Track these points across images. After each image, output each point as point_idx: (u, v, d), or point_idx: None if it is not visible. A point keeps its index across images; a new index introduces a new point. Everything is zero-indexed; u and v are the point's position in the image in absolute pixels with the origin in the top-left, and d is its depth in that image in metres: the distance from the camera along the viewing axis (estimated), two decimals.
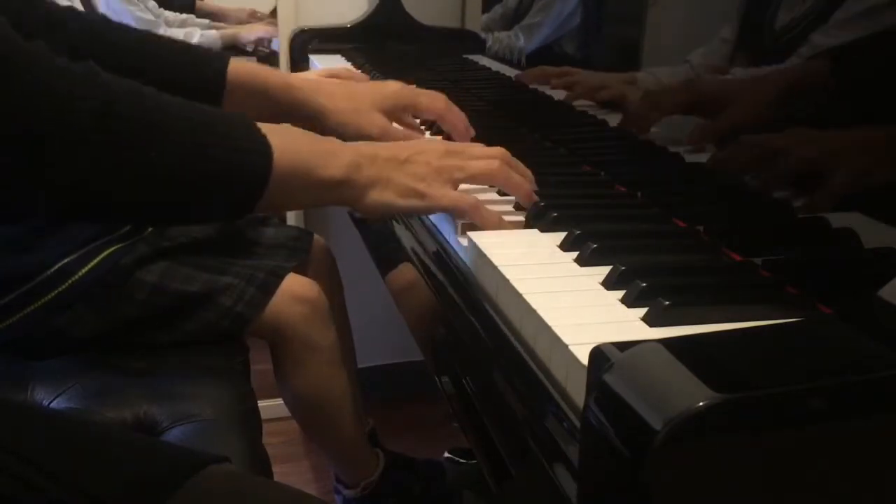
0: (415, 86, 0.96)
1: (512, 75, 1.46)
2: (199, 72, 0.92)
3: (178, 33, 2.21)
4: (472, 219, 0.70)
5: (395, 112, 0.91)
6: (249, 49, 2.36)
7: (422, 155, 0.72)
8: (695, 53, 1.00)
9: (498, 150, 0.74)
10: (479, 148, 0.76)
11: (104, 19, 0.96)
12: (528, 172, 0.75)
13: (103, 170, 0.57)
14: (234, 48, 2.33)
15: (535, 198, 0.73)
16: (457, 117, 0.89)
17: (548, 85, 1.30)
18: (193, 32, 2.23)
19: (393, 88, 0.91)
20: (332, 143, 0.70)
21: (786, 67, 0.80)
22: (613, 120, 1.07)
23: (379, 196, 0.69)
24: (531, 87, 1.33)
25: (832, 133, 0.72)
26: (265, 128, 0.65)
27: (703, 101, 0.87)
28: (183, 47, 0.97)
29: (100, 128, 0.56)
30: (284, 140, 0.65)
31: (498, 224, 0.70)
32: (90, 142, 0.56)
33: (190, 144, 0.60)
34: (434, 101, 0.90)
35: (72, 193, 0.58)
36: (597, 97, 1.15)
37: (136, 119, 0.58)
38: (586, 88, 1.17)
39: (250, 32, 2.34)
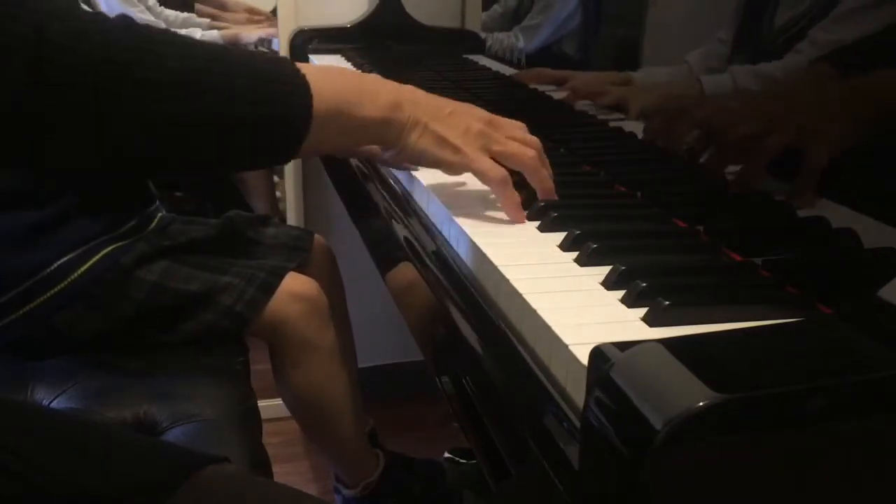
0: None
1: (512, 75, 1.46)
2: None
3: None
4: (498, 193, 0.70)
5: None
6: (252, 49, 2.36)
7: (464, 115, 0.72)
8: (692, 54, 1.00)
9: (535, 140, 0.75)
10: (520, 128, 0.75)
11: (125, 19, 0.96)
12: (551, 172, 0.75)
13: (149, 120, 0.57)
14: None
15: (554, 197, 0.73)
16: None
17: (546, 85, 1.30)
18: (194, 33, 2.23)
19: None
20: (373, 81, 0.70)
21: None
22: (613, 120, 1.07)
23: (415, 140, 0.70)
24: (531, 87, 1.32)
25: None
26: (305, 69, 0.65)
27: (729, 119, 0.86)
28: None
29: (144, 78, 0.56)
30: (324, 81, 0.65)
31: (515, 207, 0.70)
32: (135, 93, 0.56)
33: (232, 92, 0.60)
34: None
35: (121, 146, 0.58)
36: (597, 103, 1.15)
37: (179, 69, 0.58)
38: (585, 93, 1.17)
39: (252, 33, 2.34)
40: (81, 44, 0.54)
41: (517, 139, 0.73)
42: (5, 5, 0.52)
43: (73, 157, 0.58)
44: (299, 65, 0.65)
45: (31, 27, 0.53)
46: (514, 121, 0.76)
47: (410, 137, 0.69)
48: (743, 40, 0.91)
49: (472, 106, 0.75)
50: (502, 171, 0.70)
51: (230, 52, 0.63)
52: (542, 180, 0.73)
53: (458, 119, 0.71)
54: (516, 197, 0.71)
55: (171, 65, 0.58)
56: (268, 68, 0.63)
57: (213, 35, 2.28)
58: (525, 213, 0.71)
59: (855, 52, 0.73)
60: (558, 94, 1.24)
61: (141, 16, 2.14)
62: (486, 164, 0.70)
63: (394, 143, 0.69)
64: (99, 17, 0.57)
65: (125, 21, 0.58)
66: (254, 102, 0.61)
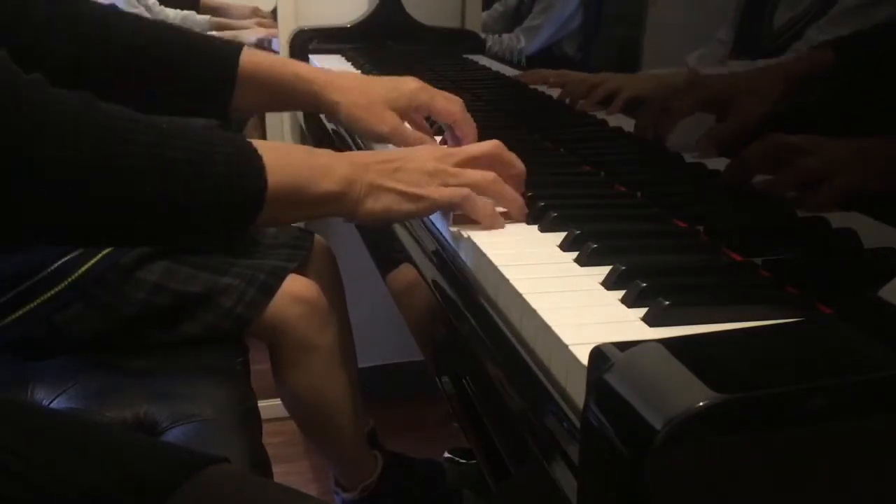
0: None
1: (512, 75, 1.46)
2: (211, 62, 0.92)
3: None
4: (466, 211, 0.71)
5: (408, 111, 0.91)
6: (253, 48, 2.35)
7: (414, 162, 0.72)
8: (692, 56, 1.00)
9: (493, 143, 0.75)
10: (473, 147, 0.76)
11: (115, 9, 0.96)
12: (521, 164, 0.75)
13: (99, 200, 0.58)
14: None
15: (526, 212, 0.73)
16: (469, 126, 0.88)
17: (546, 85, 1.30)
18: None
19: (410, 87, 0.90)
20: (326, 156, 0.71)
21: (788, 59, 0.80)
22: (613, 120, 1.07)
23: (374, 205, 0.70)
24: (531, 86, 1.32)
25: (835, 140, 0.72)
26: (258, 146, 0.65)
27: (712, 100, 0.86)
28: (196, 37, 0.97)
29: (97, 161, 0.57)
30: (278, 158, 0.65)
31: (491, 216, 0.70)
32: (88, 174, 0.57)
33: (185, 174, 0.61)
34: (450, 104, 0.89)
35: (67, 222, 0.59)
36: (592, 97, 1.14)
37: (132, 153, 0.59)
38: (581, 90, 1.17)
39: (251, 34, 2.33)
40: (42, 121, 0.55)
41: (474, 155, 0.74)
42: None
43: (15, 231, 0.60)
44: (254, 142, 0.66)
45: None
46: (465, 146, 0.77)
47: (367, 204, 0.70)
48: (743, 41, 0.91)
49: (422, 147, 0.76)
50: (463, 192, 0.71)
51: (184, 129, 0.63)
52: (511, 201, 0.72)
53: (410, 168, 0.71)
54: (488, 206, 0.71)
55: (123, 148, 0.59)
56: (222, 146, 0.64)
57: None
58: (501, 217, 0.71)
59: (856, 43, 0.73)
60: (558, 94, 1.24)
61: (138, 14, 2.14)
62: (446, 194, 0.71)
63: (351, 213, 0.70)
64: (61, 95, 0.58)
65: (86, 104, 0.59)
66: (208, 186, 0.62)
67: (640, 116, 0.95)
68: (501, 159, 0.74)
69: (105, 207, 0.59)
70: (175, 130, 0.62)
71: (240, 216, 0.64)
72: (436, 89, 0.92)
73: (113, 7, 0.96)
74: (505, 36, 1.67)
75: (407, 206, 0.71)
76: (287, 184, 0.65)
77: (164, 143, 0.61)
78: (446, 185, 0.71)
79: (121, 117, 0.60)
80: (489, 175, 0.72)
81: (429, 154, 0.73)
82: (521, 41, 1.59)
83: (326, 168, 0.68)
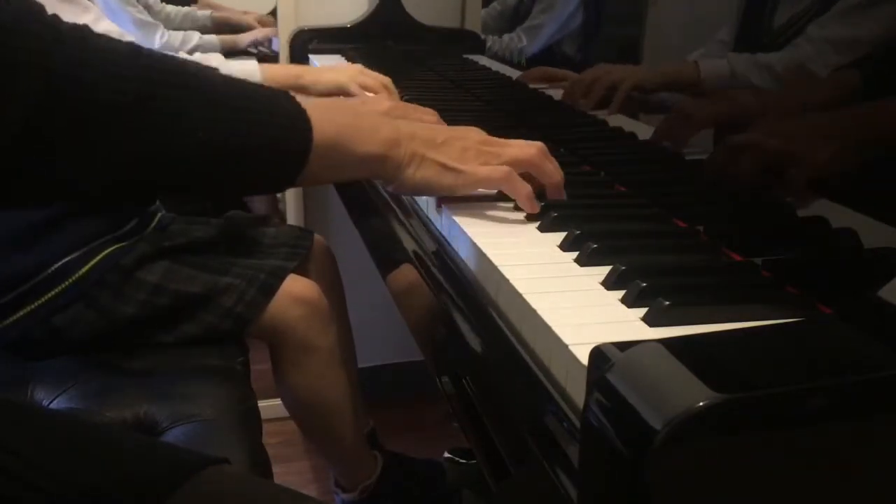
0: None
1: (512, 75, 1.46)
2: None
3: (176, 36, 2.20)
4: (509, 190, 0.72)
5: None
6: (252, 50, 2.36)
7: (459, 140, 0.73)
8: (693, 55, 1.00)
9: (538, 147, 0.75)
10: (519, 147, 0.76)
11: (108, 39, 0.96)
12: (560, 174, 0.75)
13: (149, 148, 0.57)
14: (234, 51, 2.33)
15: (564, 193, 0.74)
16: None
17: (548, 85, 1.30)
18: (192, 35, 2.23)
19: (381, 109, 0.84)
20: (371, 118, 0.71)
21: (814, 81, 0.80)
22: (613, 120, 1.07)
23: (415, 173, 0.70)
24: (531, 86, 1.32)
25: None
26: (306, 103, 0.65)
27: (734, 116, 0.86)
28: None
29: (146, 108, 0.56)
30: (324, 115, 0.65)
31: (529, 198, 0.71)
32: (137, 121, 0.56)
33: (233, 123, 0.60)
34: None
35: (119, 172, 0.58)
36: (593, 90, 1.14)
37: (182, 98, 0.58)
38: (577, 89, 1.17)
39: (249, 37, 2.34)
40: (86, 72, 0.55)
41: (515, 146, 0.74)
42: (14, 31, 0.52)
43: (76, 182, 0.58)
44: (300, 98, 0.66)
45: (40, 53, 0.53)
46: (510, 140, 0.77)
47: (408, 171, 0.70)
48: (744, 41, 0.91)
49: (468, 128, 0.76)
50: (504, 169, 0.71)
51: (233, 83, 0.63)
52: (550, 175, 0.74)
53: (454, 144, 0.72)
54: (527, 188, 0.72)
55: (175, 94, 0.58)
56: (270, 100, 0.64)
57: (210, 39, 2.27)
58: (539, 203, 0.72)
59: (879, 62, 0.73)
60: (558, 95, 1.24)
61: (139, 17, 2.14)
62: (486, 170, 0.72)
63: (391, 177, 0.70)
64: (106, 44, 0.57)
65: (132, 49, 0.58)
66: (255, 133, 0.61)
67: (662, 125, 0.95)
68: (542, 169, 0.74)
69: (154, 155, 0.58)
70: (222, 76, 0.62)
71: (284, 170, 0.64)
72: (409, 105, 0.88)
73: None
74: (506, 36, 1.67)
75: (447, 180, 0.71)
76: (331, 142, 0.65)
77: (215, 85, 0.61)
78: (488, 164, 0.72)
79: (169, 60, 0.60)
80: (531, 149, 0.73)
81: (475, 135, 0.74)
82: (522, 40, 1.59)
83: (371, 130, 0.69)
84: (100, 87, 0.55)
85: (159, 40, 2.15)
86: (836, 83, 0.78)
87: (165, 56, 0.60)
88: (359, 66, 1.28)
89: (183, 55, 1.17)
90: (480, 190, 0.74)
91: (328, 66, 1.31)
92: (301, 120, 0.64)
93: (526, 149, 0.73)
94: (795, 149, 0.71)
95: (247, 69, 1.22)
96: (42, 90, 0.53)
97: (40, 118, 0.53)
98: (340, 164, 0.67)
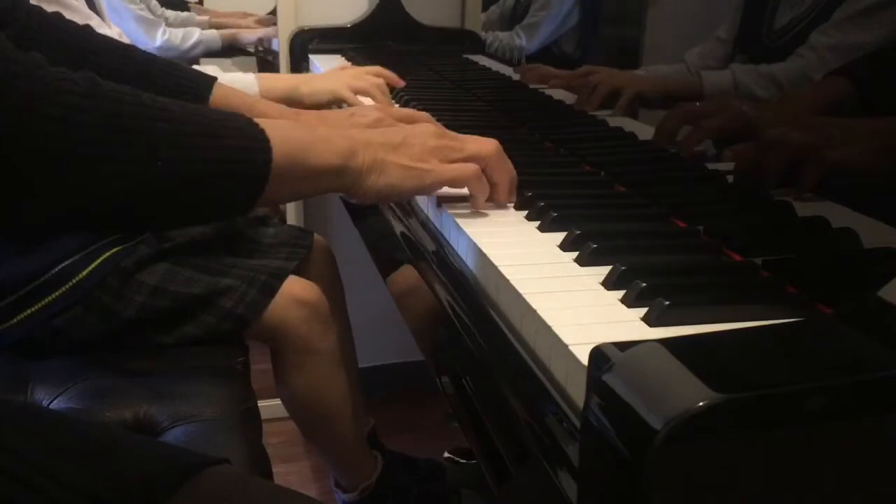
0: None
1: (512, 75, 1.46)
2: (183, 91, 0.93)
3: (177, 33, 2.20)
4: (471, 188, 0.72)
5: None
6: (250, 49, 2.36)
7: (416, 137, 0.72)
8: (690, 52, 1.00)
9: (494, 143, 0.75)
10: (472, 138, 0.76)
11: (89, 30, 0.96)
12: (514, 172, 0.75)
13: (107, 180, 0.57)
14: (234, 48, 2.33)
15: (514, 195, 0.74)
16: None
17: (546, 85, 1.30)
18: (193, 32, 2.23)
19: (367, 121, 0.88)
20: (326, 131, 0.71)
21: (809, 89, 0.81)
22: (613, 120, 1.07)
23: (377, 180, 0.70)
24: (531, 86, 1.33)
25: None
26: (262, 123, 0.65)
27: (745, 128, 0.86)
28: (171, 65, 0.97)
29: (103, 140, 0.57)
30: (280, 133, 0.65)
31: (483, 202, 0.72)
32: (95, 155, 0.56)
33: (191, 151, 0.61)
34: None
35: (75, 205, 0.58)
36: (594, 96, 1.14)
37: (137, 131, 0.58)
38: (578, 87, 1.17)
39: (251, 34, 2.34)
40: (43, 106, 0.54)
41: (473, 142, 0.75)
42: None
43: (36, 214, 0.58)
44: (256, 119, 0.66)
45: None
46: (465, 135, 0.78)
47: (371, 179, 0.70)
48: (744, 39, 0.91)
49: (422, 124, 0.76)
50: (472, 167, 0.72)
51: (189, 110, 0.63)
52: (506, 172, 0.74)
53: (412, 143, 0.72)
54: (487, 192, 0.73)
55: (132, 125, 0.58)
56: (225, 122, 0.64)
57: (211, 35, 2.27)
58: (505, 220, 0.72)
59: (870, 66, 0.73)
60: (558, 95, 1.24)
61: (142, 14, 2.14)
62: (454, 168, 0.72)
63: (353, 188, 0.70)
64: (63, 75, 0.57)
65: (89, 80, 0.58)
66: (212, 158, 0.61)
67: (663, 126, 0.95)
68: (499, 166, 0.74)
69: (112, 187, 0.58)
70: (179, 104, 0.62)
71: (246, 192, 0.64)
72: (397, 111, 0.91)
73: (87, 27, 0.96)
74: (504, 34, 1.68)
75: (412, 182, 0.71)
76: (290, 157, 0.65)
77: (171, 113, 0.61)
78: (449, 160, 0.72)
79: (125, 91, 0.60)
80: (489, 146, 0.73)
81: (428, 130, 0.74)
82: (521, 38, 1.59)
83: (327, 141, 0.69)
84: (57, 121, 0.55)
85: (161, 37, 2.16)
86: (827, 89, 0.78)
87: (122, 87, 0.60)
88: (351, 71, 1.28)
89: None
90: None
91: (322, 75, 1.31)
92: (259, 140, 0.64)
93: (485, 144, 0.73)
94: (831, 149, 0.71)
95: (244, 82, 1.22)
96: None
97: None
98: (300, 179, 0.67)
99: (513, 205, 0.75)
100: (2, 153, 0.53)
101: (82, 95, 0.56)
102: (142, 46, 1.02)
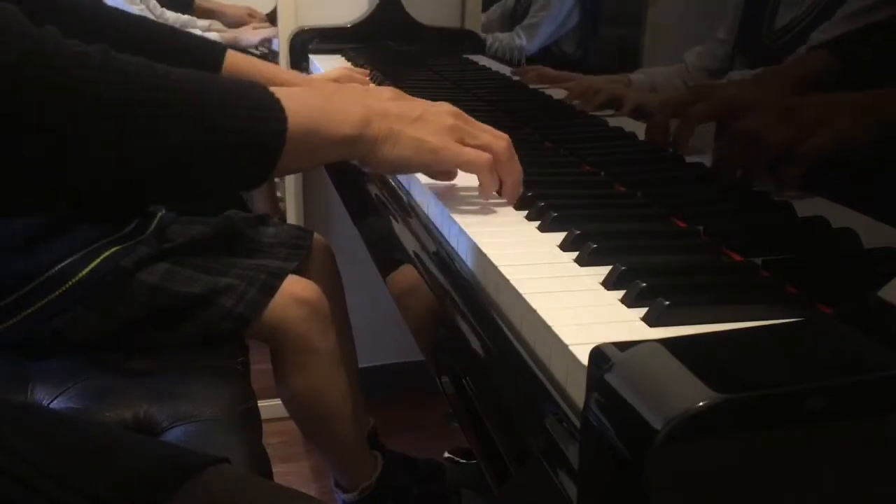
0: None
1: (512, 76, 1.46)
2: (196, 59, 0.93)
3: None
4: (481, 178, 0.72)
5: None
6: (252, 51, 2.36)
7: (433, 115, 0.72)
8: (689, 53, 1.00)
9: (505, 138, 0.75)
10: (488, 128, 0.76)
11: (98, 2, 0.96)
12: (520, 170, 0.75)
13: (125, 152, 0.57)
14: (236, 48, 2.33)
15: (520, 191, 0.74)
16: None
17: (547, 86, 1.29)
18: (194, 32, 2.23)
19: (386, 96, 0.89)
20: (342, 99, 0.71)
21: (787, 64, 0.80)
22: (613, 120, 1.07)
23: (391, 151, 0.70)
24: (531, 86, 1.32)
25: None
26: (277, 92, 0.65)
27: (731, 107, 0.86)
28: (185, 35, 0.97)
29: (120, 113, 0.56)
30: (296, 102, 0.65)
31: (490, 194, 0.73)
32: (111, 126, 0.56)
33: (205, 122, 0.60)
34: None
35: (94, 179, 0.58)
36: (593, 102, 1.14)
37: (154, 101, 0.58)
38: (579, 92, 1.17)
39: (253, 35, 2.34)
40: (59, 78, 0.54)
41: (487, 130, 0.75)
42: None
43: (50, 187, 0.58)
44: (272, 88, 0.65)
45: (13, 58, 0.52)
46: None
47: (384, 149, 0.70)
48: (744, 40, 0.91)
49: (441, 103, 0.76)
50: (488, 157, 0.72)
51: (204, 79, 0.63)
52: (514, 170, 0.74)
53: (430, 119, 0.72)
54: (496, 185, 0.73)
55: (148, 95, 0.58)
56: (240, 92, 0.64)
57: (212, 37, 2.27)
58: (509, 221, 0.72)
59: (855, 42, 0.73)
60: (558, 95, 1.24)
61: (140, 14, 2.14)
62: (471, 153, 0.72)
63: (366, 157, 0.70)
64: (78, 48, 0.57)
65: (103, 51, 0.58)
66: (228, 128, 0.61)
67: (652, 124, 0.95)
68: (509, 163, 0.74)
69: (130, 159, 0.58)
70: (192, 74, 0.62)
71: (261, 161, 0.64)
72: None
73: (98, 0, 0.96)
74: (504, 34, 1.67)
75: (426, 156, 0.71)
76: (305, 126, 0.65)
77: (187, 83, 0.61)
78: (463, 142, 0.72)
79: (140, 63, 0.60)
80: (503, 143, 0.73)
81: (448, 109, 0.74)
82: (521, 38, 1.59)
83: (343, 111, 0.69)
84: (72, 94, 0.55)
85: None
86: (811, 64, 0.78)
87: (135, 59, 0.60)
88: (346, 66, 1.28)
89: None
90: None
91: (323, 74, 1.31)
92: (275, 109, 0.64)
93: (499, 139, 0.73)
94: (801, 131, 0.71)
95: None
96: (14, 93, 0.53)
97: (12, 119, 0.53)
98: (315, 149, 0.67)
99: (513, 204, 0.75)
100: (20, 126, 0.53)
101: (96, 68, 0.56)
102: None
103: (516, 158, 0.74)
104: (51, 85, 0.54)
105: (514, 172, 0.74)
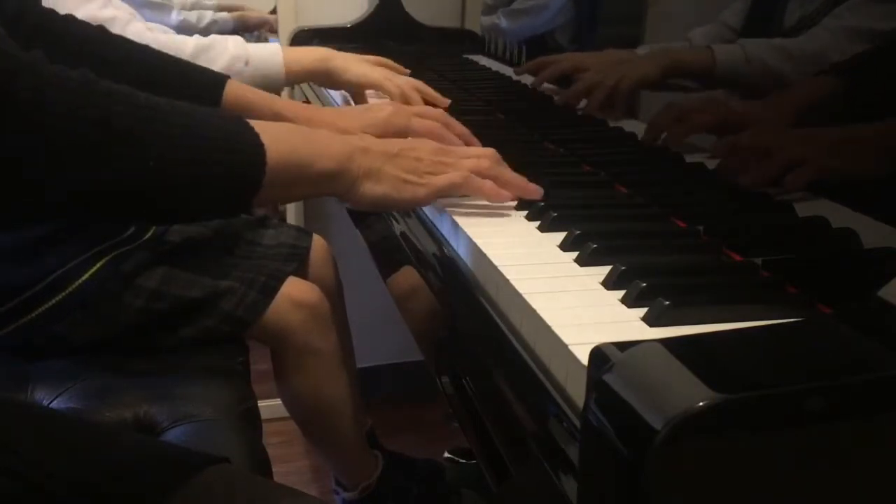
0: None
1: (512, 75, 1.46)
2: (196, 91, 0.93)
3: (191, 16, 2.20)
4: (469, 191, 0.72)
5: (386, 136, 0.90)
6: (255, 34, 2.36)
7: (413, 150, 0.73)
8: (695, 32, 0.99)
9: (489, 150, 0.75)
10: (470, 149, 0.77)
11: (102, 31, 0.96)
12: (517, 176, 0.75)
13: (103, 176, 0.58)
14: (246, 28, 2.34)
15: (537, 192, 0.74)
16: (454, 138, 0.87)
17: (544, 73, 1.28)
18: (205, 15, 2.23)
19: (383, 115, 0.89)
20: (324, 135, 0.71)
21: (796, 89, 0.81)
22: (613, 121, 1.07)
23: (372, 188, 0.70)
24: (531, 87, 1.32)
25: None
26: (257, 125, 0.66)
27: (734, 124, 0.86)
28: (183, 64, 0.97)
29: (99, 137, 0.57)
30: (277, 136, 0.66)
31: (494, 190, 0.72)
32: (90, 151, 0.57)
33: (186, 150, 0.61)
34: (427, 124, 0.87)
35: (72, 199, 0.59)
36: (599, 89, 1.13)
37: (134, 128, 0.59)
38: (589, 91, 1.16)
39: (258, 17, 2.34)
40: (41, 103, 0.55)
41: (469, 156, 0.75)
42: None
43: (35, 200, 0.59)
44: (253, 122, 0.66)
45: None
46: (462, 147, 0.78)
47: (366, 185, 0.70)
48: (750, 33, 0.90)
49: (422, 140, 0.77)
50: (463, 173, 0.72)
51: (184, 110, 0.63)
52: (506, 174, 0.74)
53: (409, 155, 0.72)
54: (488, 182, 0.73)
55: (128, 123, 0.59)
56: (221, 127, 0.64)
57: (223, 17, 2.28)
58: (504, 190, 0.73)
59: (860, 67, 0.74)
60: (558, 95, 1.24)
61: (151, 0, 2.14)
62: (446, 178, 0.72)
63: (347, 193, 0.71)
64: (60, 73, 0.58)
65: (85, 78, 0.59)
66: (209, 159, 0.62)
67: (653, 122, 0.95)
68: (501, 176, 0.74)
69: (108, 183, 0.58)
70: (174, 105, 0.63)
71: (240, 193, 0.64)
72: (411, 108, 0.92)
73: (101, 28, 0.96)
74: (486, 18, 1.66)
75: (406, 193, 0.71)
76: (285, 160, 0.66)
77: (166, 114, 0.61)
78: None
79: (121, 90, 0.60)
80: (488, 154, 0.74)
81: (427, 147, 0.74)
82: (501, 21, 1.58)
83: (324, 146, 0.69)
84: (55, 115, 0.55)
85: (176, 18, 2.15)
86: (814, 88, 0.78)
87: (118, 86, 0.60)
88: (389, 65, 1.25)
89: (196, 38, 1.17)
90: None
91: (358, 57, 1.25)
92: (254, 143, 0.64)
93: (480, 160, 0.74)
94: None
95: (269, 50, 1.20)
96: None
97: None
98: (294, 183, 0.68)
99: (512, 206, 0.75)
100: (3, 146, 0.54)
101: (76, 92, 0.57)
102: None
103: (505, 170, 0.74)
104: (34, 104, 0.55)
105: (507, 174, 0.74)
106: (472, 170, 0.73)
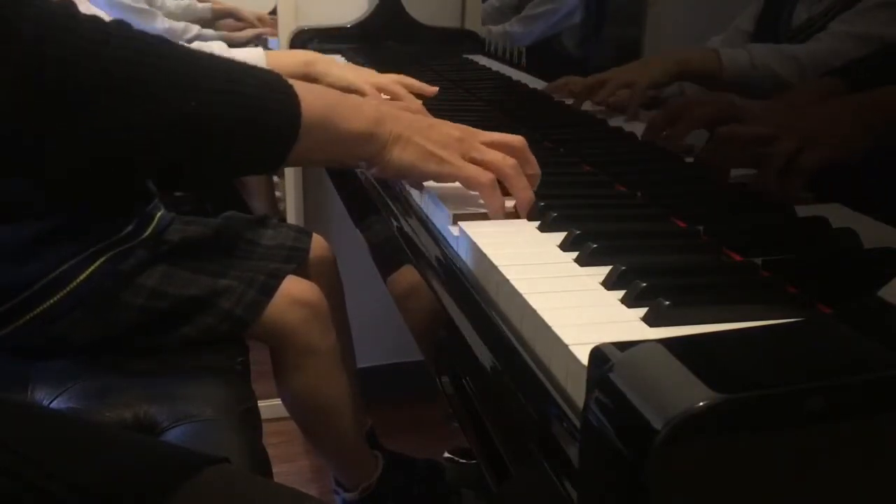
0: None
1: (512, 75, 1.46)
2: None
3: (177, 26, 2.20)
4: (486, 196, 0.72)
5: None
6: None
7: (443, 126, 0.73)
8: (714, 41, 0.99)
9: (518, 138, 0.75)
10: (499, 134, 0.76)
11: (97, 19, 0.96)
12: (538, 168, 0.76)
13: (138, 120, 0.58)
14: (233, 44, 2.33)
15: (531, 205, 0.73)
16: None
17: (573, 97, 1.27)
18: (191, 28, 2.23)
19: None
20: (356, 98, 0.72)
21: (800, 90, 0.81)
22: (613, 121, 1.07)
23: (400, 154, 0.71)
24: (530, 87, 1.32)
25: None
26: (291, 80, 0.66)
27: (734, 118, 0.85)
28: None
29: (135, 77, 0.57)
30: (311, 93, 0.66)
31: (500, 209, 0.72)
32: (125, 92, 0.57)
33: (223, 95, 0.61)
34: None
35: (106, 146, 0.58)
36: (607, 88, 1.13)
37: (170, 69, 0.59)
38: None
39: (243, 36, 2.33)
40: (79, 57, 0.55)
41: (497, 142, 0.74)
42: (6, 17, 0.52)
43: (70, 161, 0.58)
44: (288, 79, 0.66)
45: (32, 39, 0.53)
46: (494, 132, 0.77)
47: (393, 152, 0.71)
48: (761, 35, 0.90)
49: (449, 122, 0.77)
50: (490, 175, 0.72)
51: (222, 61, 0.63)
52: (522, 189, 0.73)
53: (439, 130, 0.73)
54: (502, 202, 0.72)
55: (164, 67, 0.58)
56: (259, 77, 0.64)
57: (209, 34, 2.27)
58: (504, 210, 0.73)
59: (863, 69, 0.74)
60: (559, 94, 1.24)
61: (133, 4, 2.13)
62: (473, 170, 0.72)
63: (375, 157, 0.71)
64: (96, 27, 0.57)
65: (120, 25, 0.58)
66: (244, 108, 0.62)
67: (654, 120, 0.95)
68: (523, 155, 0.75)
69: (143, 128, 0.58)
70: (210, 57, 0.63)
71: (275, 146, 0.64)
72: (398, 102, 0.92)
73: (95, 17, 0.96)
74: (497, 27, 1.67)
75: (432, 166, 0.72)
76: (320, 116, 0.66)
77: (201, 61, 0.61)
78: (470, 158, 0.73)
79: (157, 39, 0.60)
80: (510, 160, 0.73)
81: (457, 126, 0.75)
82: (514, 27, 1.59)
83: (357, 107, 0.69)
84: (90, 60, 0.55)
85: (161, 25, 2.15)
86: (818, 90, 0.78)
87: (152, 34, 0.60)
88: (370, 71, 1.25)
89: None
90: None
91: (340, 63, 1.28)
92: (290, 96, 0.64)
93: (505, 159, 0.73)
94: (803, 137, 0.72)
95: (252, 56, 1.20)
96: (31, 62, 0.53)
97: (28, 88, 0.53)
98: (328, 142, 0.68)
99: (512, 206, 0.75)
100: (45, 83, 0.54)
101: (115, 34, 0.57)
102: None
103: (523, 179, 0.73)
104: (74, 44, 0.54)
105: (524, 188, 0.73)
106: (495, 162, 0.72)
